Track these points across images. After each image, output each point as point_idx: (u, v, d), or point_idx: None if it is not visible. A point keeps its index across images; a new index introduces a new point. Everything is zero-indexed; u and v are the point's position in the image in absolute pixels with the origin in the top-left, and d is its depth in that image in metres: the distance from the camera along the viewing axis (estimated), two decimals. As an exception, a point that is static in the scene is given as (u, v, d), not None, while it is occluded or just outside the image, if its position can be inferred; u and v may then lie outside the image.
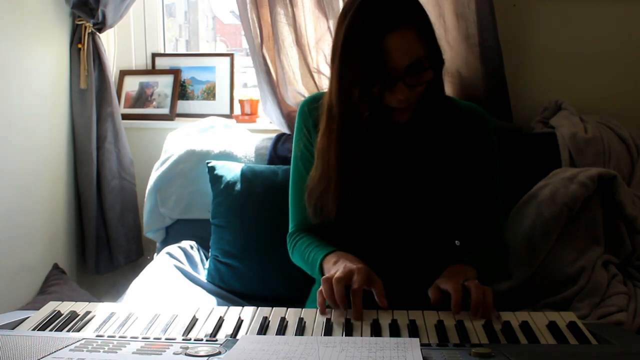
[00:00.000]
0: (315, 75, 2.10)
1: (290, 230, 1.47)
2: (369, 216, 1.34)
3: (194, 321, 1.11)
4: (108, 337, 1.03)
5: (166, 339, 1.03)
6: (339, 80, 1.27)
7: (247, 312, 1.15)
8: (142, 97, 2.49)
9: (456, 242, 1.35)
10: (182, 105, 2.50)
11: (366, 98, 1.23)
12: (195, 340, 1.02)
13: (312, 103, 1.43)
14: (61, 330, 1.10)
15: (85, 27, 2.24)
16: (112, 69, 2.44)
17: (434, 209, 1.33)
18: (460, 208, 1.34)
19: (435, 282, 1.22)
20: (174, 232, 2.10)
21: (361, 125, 1.27)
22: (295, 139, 1.47)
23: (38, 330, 1.10)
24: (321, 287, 1.16)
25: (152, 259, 1.98)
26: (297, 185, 1.43)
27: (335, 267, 1.22)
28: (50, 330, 1.10)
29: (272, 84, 2.10)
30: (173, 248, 1.95)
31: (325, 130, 1.34)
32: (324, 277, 1.17)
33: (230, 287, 1.86)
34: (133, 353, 0.95)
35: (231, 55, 2.50)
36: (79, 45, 2.24)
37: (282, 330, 1.08)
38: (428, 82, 1.26)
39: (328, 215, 1.34)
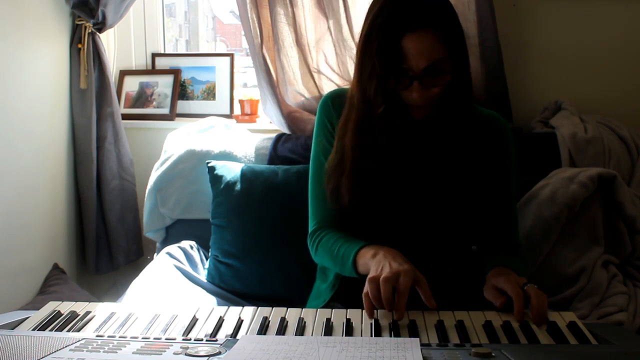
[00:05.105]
0: (315, 75, 2.10)
1: (311, 229, 1.43)
2: (383, 207, 1.34)
3: (194, 321, 1.11)
4: (108, 337, 1.03)
5: (166, 339, 1.03)
6: (359, 73, 1.30)
7: (247, 312, 1.15)
8: (142, 97, 2.48)
9: (473, 247, 1.35)
10: (182, 105, 2.50)
11: (381, 94, 1.25)
12: (195, 340, 1.03)
13: (336, 98, 1.43)
14: (61, 330, 1.10)
15: (85, 27, 2.24)
16: (112, 69, 2.43)
17: (446, 208, 1.33)
18: (475, 212, 1.34)
19: (490, 282, 1.22)
20: (174, 232, 2.10)
21: (376, 118, 1.28)
22: (316, 133, 1.45)
23: (38, 330, 1.10)
24: (366, 289, 1.13)
25: (152, 259, 1.97)
26: (320, 181, 1.40)
27: (376, 261, 1.19)
28: (50, 330, 1.10)
29: (272, 84, 2.10)
30: (173, 248, 1.95)
31: (344, 119, 1.36)
32: (370, 276, 1.14)
33: (230, 287, 1.86)
34: (133, 353, 0.95)
35: (231, 55, 2.50)
36: (79, 45, 2.24)
37: (282, 330, 1.09)
38: (451, 82, 1.25)
39: (342, 202, 1.34)
